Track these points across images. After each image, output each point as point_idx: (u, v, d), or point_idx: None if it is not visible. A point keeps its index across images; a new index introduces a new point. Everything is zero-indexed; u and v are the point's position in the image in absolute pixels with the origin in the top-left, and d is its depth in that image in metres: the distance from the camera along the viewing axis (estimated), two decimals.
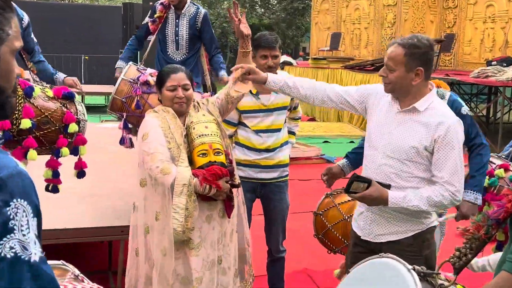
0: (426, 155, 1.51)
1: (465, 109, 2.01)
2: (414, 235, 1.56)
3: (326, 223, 2.14)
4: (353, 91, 1.70)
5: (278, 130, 2.24)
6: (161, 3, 2.85)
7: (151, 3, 6.75)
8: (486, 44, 7.84)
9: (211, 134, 1.70)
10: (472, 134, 1.99)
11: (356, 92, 1.68)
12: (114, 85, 2.31)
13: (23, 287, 0.64)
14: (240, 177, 2.07)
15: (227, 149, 1.74)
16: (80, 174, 1.95)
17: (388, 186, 1.53)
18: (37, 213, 0.66)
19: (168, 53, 2.90)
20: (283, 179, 2.33)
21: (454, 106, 1.94)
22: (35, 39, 2.41)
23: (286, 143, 2.32)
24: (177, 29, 2.87)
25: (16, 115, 1.84)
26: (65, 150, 1.85)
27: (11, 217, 0.64)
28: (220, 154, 1.65)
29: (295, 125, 2.42)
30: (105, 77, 7.54)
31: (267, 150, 2.22)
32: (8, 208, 0.63)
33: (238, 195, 1.88)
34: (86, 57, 9.12)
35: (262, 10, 17.85)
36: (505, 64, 6.86)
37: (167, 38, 2.87)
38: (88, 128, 1.96)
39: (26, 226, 0.65)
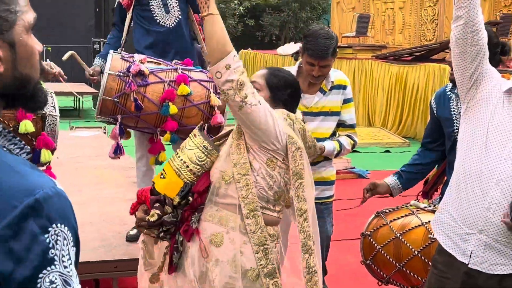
0: None
1: None
2: None
3: (375, 244, 2.27)
4: (487, 58, 1.77)
5: (323, 139, 2.38)
6: None
7: None
8: None
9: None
10: None
11: (486, 57, 1.75)
12: (86, 83, 2.27)
13: None
14: None
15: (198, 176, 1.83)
16: None
17: None
18: (77, 241, 0.72)
19: (158, 20, 3.01)
20: (325, 200, 2.51)
21: None
22: None
23: (331, 159, 2.42)
24: None
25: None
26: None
27: (51, 245, 0.68)
28: (164, 178, 1.82)
29: (348, 134, 2.53)
30: (75, 73, 7.92)
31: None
32: (47, 235, 0.68)
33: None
34: (49, 48, 9.39)
35: None
36: None
37: (151, 4, 3.01)
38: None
39: (68, 257, 0.70)
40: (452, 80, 2.02)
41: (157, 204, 1.74)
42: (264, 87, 1.90)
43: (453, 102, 2.38)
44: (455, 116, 2.35)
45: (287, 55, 10.05)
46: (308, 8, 17.58)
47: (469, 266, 1.73)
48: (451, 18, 5.80)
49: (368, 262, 2.30)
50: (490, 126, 1.78)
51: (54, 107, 2.05)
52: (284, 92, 1.93)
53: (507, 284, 1.68)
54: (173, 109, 2.36)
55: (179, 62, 2.76)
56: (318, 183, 2.43)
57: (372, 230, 2.31)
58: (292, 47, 10.43)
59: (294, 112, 1.96)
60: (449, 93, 2.41)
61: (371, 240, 2.30)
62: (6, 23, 0.75)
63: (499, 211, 1.70)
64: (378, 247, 2.26)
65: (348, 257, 3.59)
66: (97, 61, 3.01)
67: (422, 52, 8.57)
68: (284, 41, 15.27)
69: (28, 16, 0.75)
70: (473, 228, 1.74)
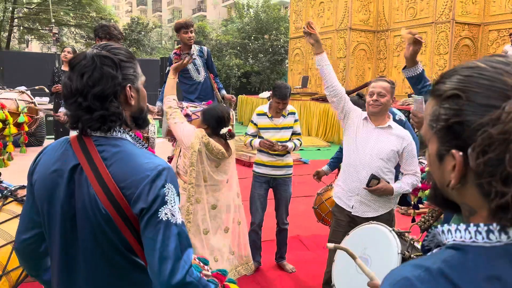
0: (397, 156, 2.52)
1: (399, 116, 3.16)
2: (389, 211, 2.63)
3: (317, 205, 3.50)
4: (348, 102, 2.66)
5: (285, 141, 3.49)
6: (174, 53, 4.27)
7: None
8: (405, 83, 11.74)
9: None
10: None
11: (349, 102, 2.66)
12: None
13: (171, 240, 1.12)
14: (259, 173, 3.55)
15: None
16: None
17: (378, 179, 2.52)
18: (178, 194, 1.15)
19: (194, 79, 4.19)
20: (288, 175, 3.61)
21: (406, 125, 3.18)
22: None
23: (289, 152, 3.50)
24: (194, 61, 4.15)
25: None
26: None
27: (166, 193, 1.13)
28: None
29: (297, 139, 3.63)
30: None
31: (277, 155, 3.51)
32: (164, 189, 1.13)
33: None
34: None
35: (253, 61, 25.94)
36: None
37: (190, 71, 4.15)
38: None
39: (174, 201, 1.15)
40: None
41: None
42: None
43: None
44: None
45: (264, 98, 13.72)
46: (275, 72, 24.93)
47: (352, 213, 2.65)
48: (356, 71, 13.41)
49: (315, 208, 3.52)
50: (357, 137, 2.63)
51: (154, 132, 2.81)
52: (213, 121, 2.68)
53: (370, 220, 2.37)
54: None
55: (205, 103, 3.95)
56: (285, 166, 3.58)
57: (318, 205, 3.50)
58: (266, 94, 14.38)
59: (226, 126, 2.72)
60: None
61: (316, 204, 3.51)
62: (135, 79, 1.21)
63: (364, 183, 2.58)
64: (316, 206, 3.50)
65: (303, 207, 4.97)
66: (158, 103, 4.02)
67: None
68: (262, 91, 22.08)
69: (143, 78, 1.24)
70: (353, 193, 2.64)
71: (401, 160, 2.66)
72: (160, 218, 1.13)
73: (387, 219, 2.63)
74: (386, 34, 13.72)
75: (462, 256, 0.67)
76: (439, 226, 0.73)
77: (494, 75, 0.66)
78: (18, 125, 3.22)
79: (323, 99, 12.03)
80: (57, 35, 18.18)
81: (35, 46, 45.28)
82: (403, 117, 3.26)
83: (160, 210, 1.13)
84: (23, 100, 3.34)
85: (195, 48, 4.30)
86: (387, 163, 2.61)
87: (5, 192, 2.42)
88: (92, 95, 1.17)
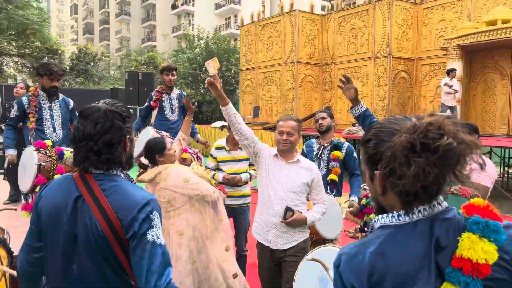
0: (307, 188, 2.67)
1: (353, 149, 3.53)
2: (304, 240, 2.74)
3: None
4: (258, 143, 2.79)
5: (243, 173, 3.68)
6: (157, 91, 4.83)
7: (131, 88, 12.82)
8: (350, 113, 14.88)
9: (203, 170, 3.18)
10: (356, 165, 3.56)
11: (258, 143, 2.78)
12: None
13: (157, 257, 1.37)
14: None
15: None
16: None
17: (292, 210, 2.61)
18: (161, 221, 1.43)
19: (167, 116, 4.70)
20: (247, 204, 3.78)
21: (349, 148, 3.64)
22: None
23: (247, 183, 3.71)
24: (171, 101, 4.76)
25: (52, 172, 2.91)
26: None
27: (153, 219, 1.39)
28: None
29: (253, 169, 3.80)
30: None
31: (236, 186, 3.68)
32: (151, 215, 1.40)
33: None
34: None
35: (204, 90, 26.23)
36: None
37: (165, 109, 4.70)
38: None
39: (158, 226, 1.40)
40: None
41: None
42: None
43: (312, 149, 3.67)
44: (314, 158, 3.59)
45: (216, 127, 13.80)
46: None
47: (270, 247, 2.73)
48: (304, 101, 13.74)
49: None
50: (269, 173, 2.76)
51: None
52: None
53: (288, 252, 2.67)
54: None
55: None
56: (242, 196, 3.79)
57: None
58: (219, 123, 14.18)
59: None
60: (310, 143, 3.66)
61: None
62: (132, 131, 1.53)
63: (279, 217, 2.68)
64: None
65: None
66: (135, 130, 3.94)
67: None
68: (214, 120, 21.99)
69: (133, 132, 1.53)
70: (269, 227, 2.73)
71: (310, 190, 2.81)
72: (148, 239, 1.39)
73: (303, 247, 2.75)
74: (331, 67, 14.59)
75: (381, 231, 1.09)
76: (373, 219, 1.15)
77: (388, 125, 1.11)
78: None
79: (275, 128, 12.62)
80: None
81: None
82: (347, 144, 3.67)
83: (147, 232, 1.40)
84: None
85: (175, 92, 4.85)
86: (299, 195, 2.74)
87: None
88: (103, 141, 1.44)
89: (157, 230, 1.43)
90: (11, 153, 3.54)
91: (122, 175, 1.52)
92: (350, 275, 1.07)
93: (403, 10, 12.78)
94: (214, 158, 3.86)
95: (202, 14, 40.68)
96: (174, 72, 4.81)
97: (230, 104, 2.75)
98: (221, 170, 3.77)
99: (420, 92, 13.11)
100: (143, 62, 29.49)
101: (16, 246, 2.25)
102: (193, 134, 4.96)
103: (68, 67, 27.44)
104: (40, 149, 3.06)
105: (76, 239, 1.45)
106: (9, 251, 2.31)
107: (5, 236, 2.46)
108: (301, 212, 2.71)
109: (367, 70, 13.20)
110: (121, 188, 1.45)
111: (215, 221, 3.02)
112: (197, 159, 3.94)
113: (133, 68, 27.77)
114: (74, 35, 68.56)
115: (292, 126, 2.75)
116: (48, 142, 3.14)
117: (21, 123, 3.89)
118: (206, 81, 2.64)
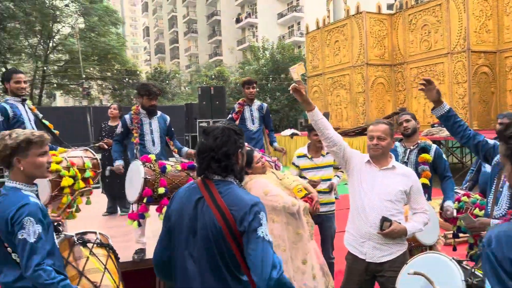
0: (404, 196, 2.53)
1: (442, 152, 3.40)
2: (403, 253, 2.58)
3: None
4: (348, 148, 2.68)
5: (328, 180, 3.68)
6: (238, 103, 5.16)
7: (204, 102, 13.35)
8: (427, 113, 12.50)
9: (296, 180, 3.11)
10: (446, 167, 3.40)
11: (348, 148, 2.68)
12: None
13: (268, 250, 1.60)
14: None
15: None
16: None
17: (390, 221, 2.47)
18: (266, 220, 1.65)
19: (248, 127, 4.98)
20: (331, 212, 3.79)
21: (437, 150, 3.49)
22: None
23: (332, 190, 3.73)
24: (252, 113, 5.08)
25: (156, 185, 3.14)
26: None
27: (261, 218, 1.66)
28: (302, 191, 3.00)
29: (337, 175, 3.90)
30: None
31: (321, 192, 3.62)
32: (259, 215, 1.66)
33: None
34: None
35: (271, 100, 26.72)
36: (443, 125, 12.73)
37: (246, 120, 4.97)
38: None
39: (266, 225, 1.67)
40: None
41: None
42: None
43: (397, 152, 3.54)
44: (400, 161, 3.47)
45: (286, 135, 14.57)
46: (294, 110, 25.90)
47: (366, 260, 2.57)
48: (376, 104, 13.26)
49: None
50: (361, 181, 2.63)
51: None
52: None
53: (386, 265, 2.51)
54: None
55: (261, 149, 4.56)
56: (328, 203, 3.79)
57: None
58: (288, 131, 15.16)
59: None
60: (394, 147, 3.49)
61: None
62: (243, 146, 1.83)
63: (376, 228, 2.53)
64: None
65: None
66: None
67: (359, 130, 12.46)
68: (282, 128, 22.52)
69: (244, 148, 1.84)
70: (364, 238, 2.57)
71: (408, 199, 2.64)
72: (258, 235, 1.62)
73: (401, 261, 2.52)
74: (403, 67, 14.06)
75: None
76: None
77: None
78: (85, 180, 3.54)
79: (345, 133, 12.47)
80: (87, 89, 19.18)
81: (59, 100, 47.21)
82: (435, 146, 3.54)
83: (258, 229, 1.63)
84: (87, 157, 3.69)
85: (256, 103, 5.12)
86: (396, 204, 2.57)
87: (76, 239, 2.54)
88: (222, 152, 1.75)
89: (265, 228, 1.65)
90: (117, 164, 3.87)
91: (235, 182, 1.81)
92: (509, 250, 1.21)
93: (480, 0, 11.96)
94: (297, 166, 3.88)
95: (265, 25, 41.31)
96: (254, 85, 5.10)
97: (317, 109, 2.67)
98: (305, 178, 3.78)
99: (505, 86, 12.15)
100: (213, 76, 30.58)
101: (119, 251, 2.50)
102: (271, 142, 5.14)
103: None
104: (146, 163, 3.30)
105: (196, 234, 1.73)
106: (116, 256, 2.51)
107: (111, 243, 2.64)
108: (399, 223, 2.56)
109: (443, 67, 12.52)
110: (234, 191, 1.74)
111: (296, 232, 3.02)
112: (276, 167, 3.91)
113: (204, 83, 28.91)
114: (147, 55, 73.11)
115: (383, 130, 2.63)
116: (152, 157, 3.38)
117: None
118: (290, 88, 2.61)
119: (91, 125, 16.25)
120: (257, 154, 3.26)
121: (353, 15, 14.41)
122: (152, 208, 3.45)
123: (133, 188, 3.29)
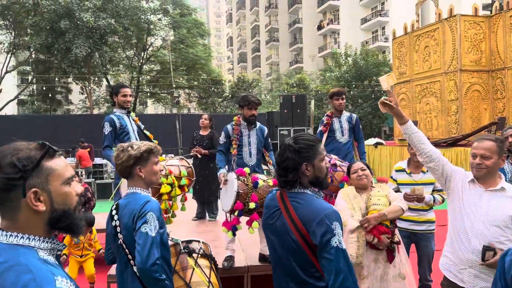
0: None
1: None
2: None
3: None
4: (448, 164, 2.43)
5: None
6: (326, 115, 5.05)
7: (285, 111, 13.45)
8: None
9: (381, 204, 2.80)
10: None
11: (448, 165, 2.45)
12: None
13: (341, 260, 1.67)
14: (399, 227, 3.33)
15: None
16: None
17: (493, 249, 2.21)
18: (341, 228, 1.74)
19: (337, 139, 4.85)
20: (430, 231, 3.57)
21: None
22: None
23: (432, 208, 3.50)
24: (341, 124, 4.92)
25: (247, 199, 3.23)
26: None
27: (334, 228, 1.72)
28: None
29: (440, 195, 3.54)
30: None
31: (419, 210, 3.54)
32: (332, 225, 1.72)
33: (400, 252, 2.85)
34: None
35: (353, 107, 26.07)
36: None
37: (335, 131, 4.89)
38: None
39: (340, 234, 1.70)
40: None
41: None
42: None
43: None
44: (508, 181, 3.17)
45: (370, 145, 14.26)
46: (377, 117, 25.16)
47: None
48: (471, 113, 12.29)
49: None
50: (463, 201, 2.39)
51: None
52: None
53: None
54: (346, 185, 3.42)
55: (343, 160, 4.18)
56: (425, 222, 3.62)
57: None
58: (373, 140, 15.15)
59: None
60: None
61: None
62: (312, 158, 1.90)
63: (479, 254, 2.30)
64: None
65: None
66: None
67: (451, 141, 11.84)
68: (365, 137, 21.46)
69: (321, 155, 1.92)
70: (464, 265, 2.35)
71: None
72: (332, 245, 1.69)
73: None
74: (503, 73, 12.87)
75: None
76: None
77: None
78: (181, 187, 3.75)
79: (436, 144, 11.61)
80: (177, 98, 20.38)
81: (150, 108, 50.74)
82: None
83: (331, 239, 1.69)
84: (183, 166, 3.90)
85: (345, 114, 5.02)
86: (505, 231, 2.30)
87: (183, 248, 2.73)
88: (282, 167, 1.90)
89: (339, 237, 1.70)
90: (221, 172, 3.78)
91: (308, 191, 1.89)
92: None
93: None
94: (394, 180, 3.73)
95: (348, 31, 40.53)
96: (344, 96, 5.01)
97: (410, 122, 2.49)
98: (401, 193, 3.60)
99: None
100: (294, 84, 30.70)
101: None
102: (361, 155, 4.99)
103: (230, 95, 30.39)
104: (240, 177, 3.39)
105: (277, 240, 1.89)
106: (216, 267, 2.59)
107: (209, 250, 2.72)
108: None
109: None
110: (306, 203, 1.82)
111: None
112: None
113: (285, 91, 29.11)
114: (230, 64, 75.72)
115: (487, 148, 2.35)
116: (247, 170, 3.46)
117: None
118: (379, 102, 2.45)
119: (179, 131, 17.19)
120: (355, 165, 3.24)
121: (445, 19, 13.53)
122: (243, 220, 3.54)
123: (227, 199, 3.42)
